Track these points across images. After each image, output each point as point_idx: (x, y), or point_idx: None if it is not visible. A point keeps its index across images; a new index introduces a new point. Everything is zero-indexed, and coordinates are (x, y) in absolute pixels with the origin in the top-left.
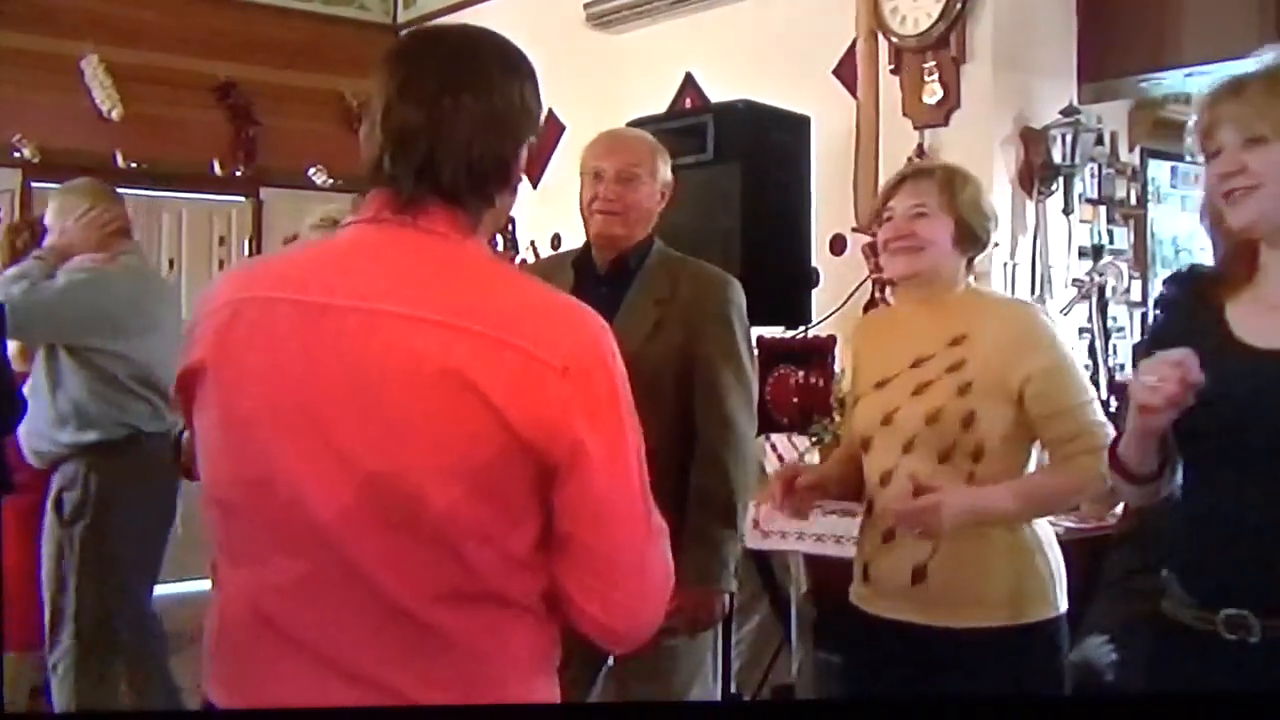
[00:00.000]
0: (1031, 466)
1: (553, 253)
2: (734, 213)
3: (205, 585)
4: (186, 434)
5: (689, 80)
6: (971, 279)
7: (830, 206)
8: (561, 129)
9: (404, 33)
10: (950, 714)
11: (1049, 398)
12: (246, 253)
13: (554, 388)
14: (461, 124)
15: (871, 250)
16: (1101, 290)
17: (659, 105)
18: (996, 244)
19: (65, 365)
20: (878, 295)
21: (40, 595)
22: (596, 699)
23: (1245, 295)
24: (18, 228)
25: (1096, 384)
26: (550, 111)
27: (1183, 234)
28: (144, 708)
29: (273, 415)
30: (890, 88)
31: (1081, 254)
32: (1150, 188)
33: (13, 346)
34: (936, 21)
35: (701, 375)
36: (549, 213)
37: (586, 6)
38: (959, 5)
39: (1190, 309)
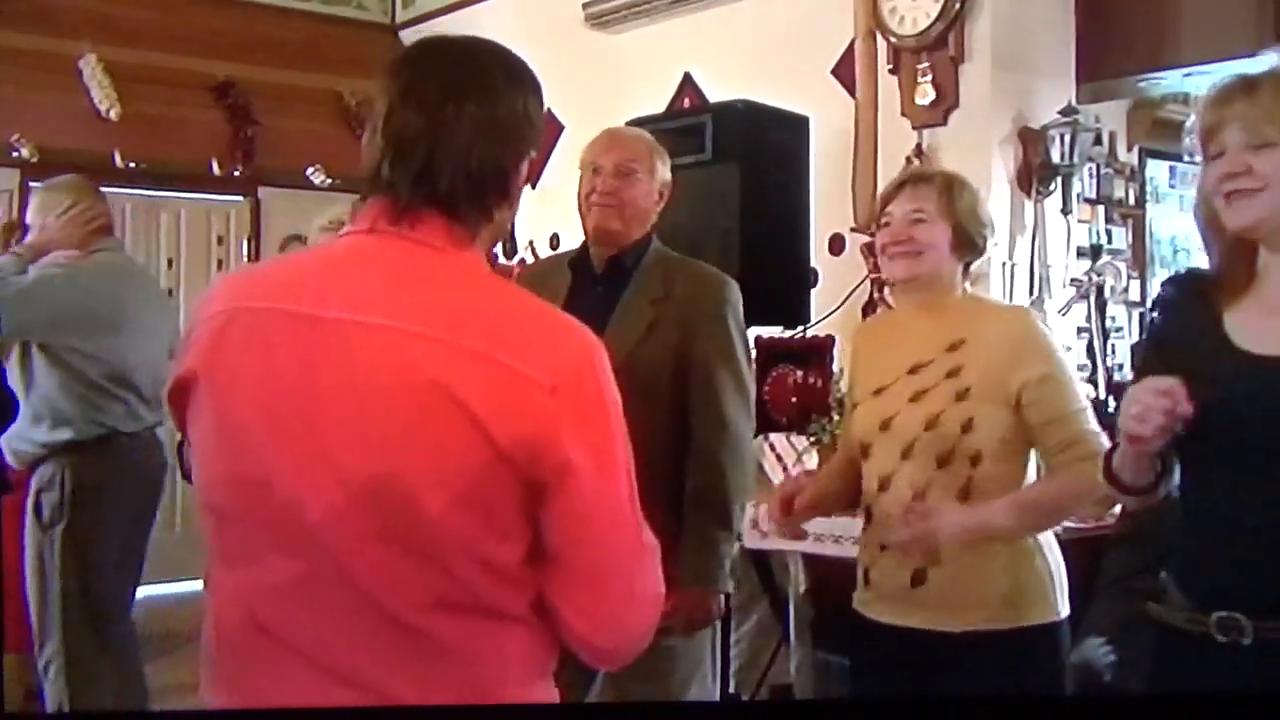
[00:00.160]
0: (1030, 470)
1: (552, 253)
2: (733, 213)
3: (201, 585)
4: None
5: (688, 80)
6: (968, 284)
7: (829, 206)
8: (560, 129)
9: (410, 40)
10: (950, 714)
11: (1045, 405)
12: (245, 252)
13: (542, 406)
14: (462, 132)
15: (870, 250)
16: (1100, 290)
17: (658, 105)
18: (995, 244)
19: (38, 363)
20: (876, 295)
21: None
22: (594, 700)
23: (1244, 300)
24: (11, 226)
25: (1095, 384)
26: (549, 111)
27: (1181, 234)
28: (120, 708)
29: (266, 424)
30: (889, 88)
31: (1080, 254)
32: (1149, 187)
33: None
34: (935, 21)
35: (698, 375)
36: (548, 213)
37: (585, 6)
38: (958, 5)
39: (1188, 313)
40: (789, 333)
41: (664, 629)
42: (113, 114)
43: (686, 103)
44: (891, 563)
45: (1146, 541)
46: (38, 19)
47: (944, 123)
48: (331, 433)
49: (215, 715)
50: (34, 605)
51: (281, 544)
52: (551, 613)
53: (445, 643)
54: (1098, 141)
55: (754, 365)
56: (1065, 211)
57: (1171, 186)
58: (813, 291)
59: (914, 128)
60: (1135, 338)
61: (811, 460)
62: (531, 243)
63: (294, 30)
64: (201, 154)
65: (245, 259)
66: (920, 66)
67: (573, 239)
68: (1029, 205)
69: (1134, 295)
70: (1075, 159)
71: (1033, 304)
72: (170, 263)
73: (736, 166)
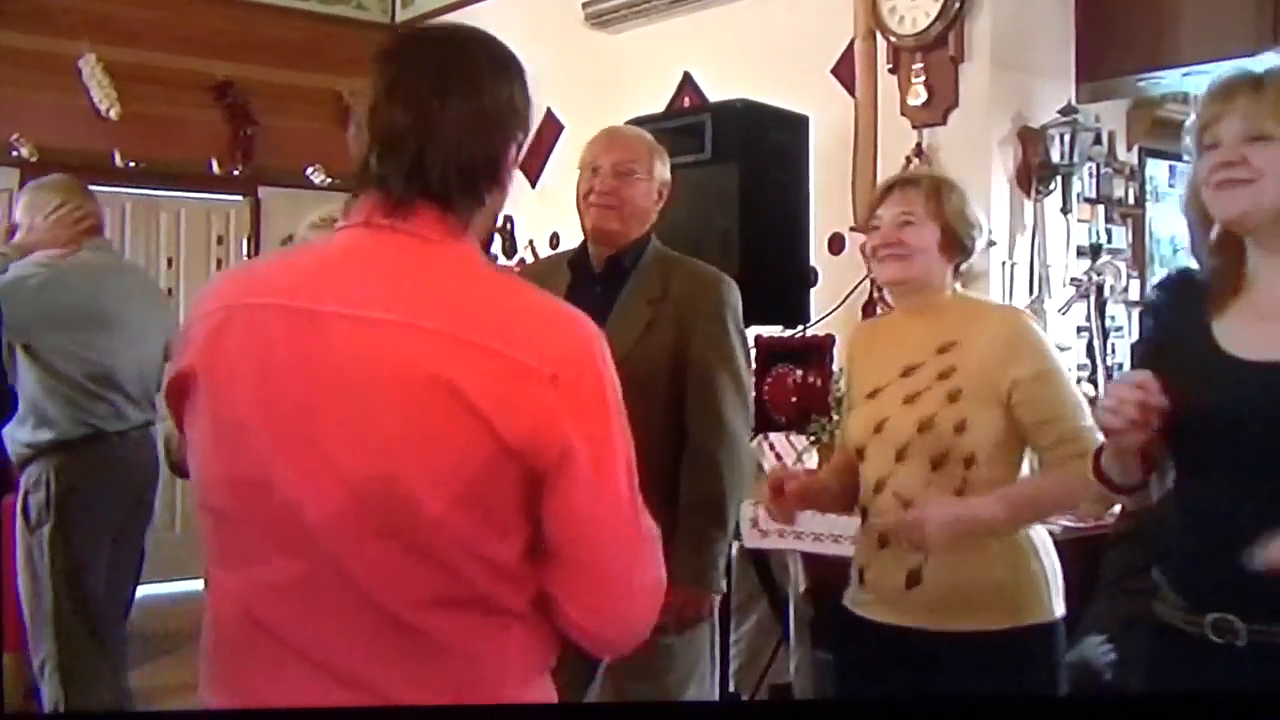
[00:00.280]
0: (1024, 472)
1: (552, 253)
2: (732, 212)
3: (199, 585)
4: (167, 428)
5: (687, 79)
6: (959, 285)
7: (829, 206)
8: (560, 128)
9: (393, 33)
10: (950, 714)
11: (1038, 403)
12: (244, 252)
13: (543, 395)
14: (450, 124)
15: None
16: (1100, 289)
17: (657, 105)
18: (994, 243)
19: (21, 363)
20: (875, 295)
21: None
22: (593, 699)
23: (1232, 304)
24: (10, 229)
25: (1095, 383)
26: (549, 111)
27: (1181, 233)
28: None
29: (264, 421)
30: (889, 87)
31: (1080, 253)
32: (1148, 187)
33: None
34: (934, 21)
35: (695, 375)
36: (548, 213)
37: (585, 6)
38: (957, 5)
39: (1177, 317)
40: (789, 332)
41: (657, 627)
42: (112, 114)
43: (686, 102)
44: (888, 563)
45: (1146, 541)
46: (37, 19)
47: (943, 122)
48: (331, 430)
49: (215, 715)
50: (26, 606)
51: (280, 543)
52: (551, 603)
53: (444, 641)
54: (1097, 141)
55: (754, 365)
56: (1065, 211)
57: (1171, 186)
58: (812, 291)
59: (914, 127)
60: (1135, 337)
61: (811, 460)
62: (531, 242)
63: (294, 30)
64: (201, 154)
65: (245, 259)
66: (914, 67)
67: (573, 239)
68: (1029, 205)
69: (1134, 295)
70: (1075, 158)
71: (1033, 303)
72: (170, 262)
73: (736, 166)
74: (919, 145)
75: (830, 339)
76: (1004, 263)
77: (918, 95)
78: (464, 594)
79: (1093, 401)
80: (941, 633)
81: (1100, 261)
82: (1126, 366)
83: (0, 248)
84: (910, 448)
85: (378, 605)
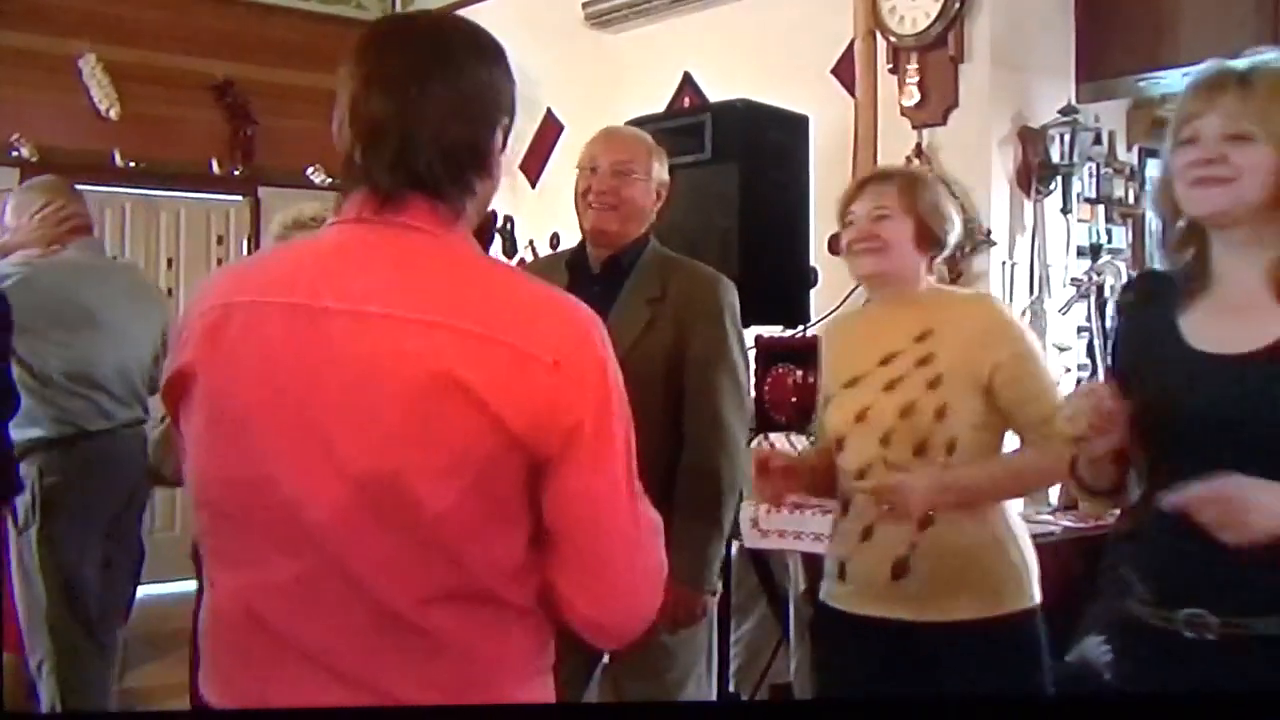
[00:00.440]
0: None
1: (550, 253)
2: (732, 212)
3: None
4: (155, 436)
5: (687, 80)
6: (933, 278)
7: (829, 206)
8: (560, 128)
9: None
10: (949, 714)
11: (1020, 383)
12: (245, 252)
13: (545, 382)
14: (431, 112)
15: None
16: (1100, 289)
17: (657, 105)
18: (994, 243)
19: None
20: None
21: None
22: (592, 698)
23: (1199, 300)
24: None
25: None
26: (549, 111)
27: None
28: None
29: (265, 418)
30: (889, 87)
31: (1080, 253)
32: (1148, 187)
33: None
34: (934, 21)
35: (693, 375)
36: (548, 212)
37: (585, 6)
38: (957, 5)
39: (1146, 316)
40: (789, 332)
41: (652, 627)
42: (112, 114)
43: (686, 102)
44: (870, 556)
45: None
46: (38, 19)
47: (943, 122)
48: (334, 426)
49: (215, 715)
50: (21, 608)
51: (281, 541)
52: (551, 591)
53: (446, 639)
54: (1097, 141)
55: (754, 365)
56: (1065, 211)
57: None
58: (812, 291)
59: (914, 127)
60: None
61: None
62: (532, 242)
63: (293, 30)
64: (201, 153)
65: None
66: (909, 68)
67: (573, 239)
68: (1029, 205)
69: None
70: (1075, 158)
71: (1033, 303)
72: (170, 262)
73: (736, 166)
74: (919, 145)
75: None
76: (1004, 263)
77: (911, 96)
78: (467, 590)
79: None
80: (925, 622)
81: (1100, 261)
82: None
83: None
84: (893, 434)
85: (380, 602)
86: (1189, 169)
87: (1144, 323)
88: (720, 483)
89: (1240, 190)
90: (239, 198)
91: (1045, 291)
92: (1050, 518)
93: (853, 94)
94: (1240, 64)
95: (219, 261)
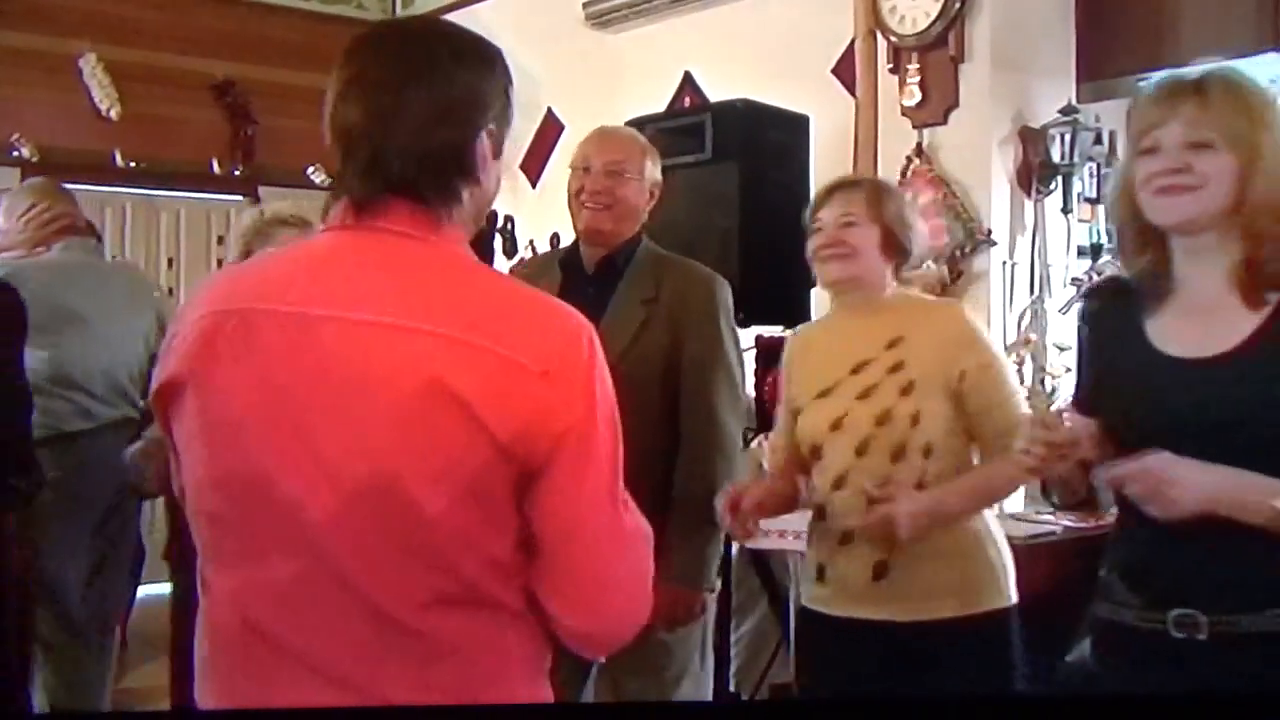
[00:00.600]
0: (975, 461)
1: (544, 251)
2: (732, 212)
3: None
4: (134, 449)
5: (688, 79)
6: (895, 284)
7: None
8: (560, 128)
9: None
10: (949, 713)
11: (985, 391)
12: None
13: (533, 392)
14: (405, 119)
15: None
16: None
17: (658, 104)
18: (995, 243)
19: None
20: None
21: None
22: (589, 697)
23: (1164, 305)
24: None
25: None
26: (549, 111)
27: None
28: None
29: (259, 425)
30: (889, 87)
31: (1080, 253)
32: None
33: None
34: (935, 21)
35: (689, 375)
36: (548, 213)
37: (585, 6)
38: (958, 4)
39: (1111, 322)
40: (789, 332)
41: (650, 627)
42: (113, 114)
43: (686, 102)
44: (851, 558)
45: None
46: (38, 19)
47: (944, 122)
48: (327, 433)
49: (215, 715)
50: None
51: (276, 546)
52: (538, 601)
53: (442, 643)
54: (1098, 141)
55: (754, 365)
56: (1065, 211)
57: None
58: (813, 291)
59: (914, 127)
60: None
61: None
62: (532, 242)
63: (294, 29)
64: (201, 153)
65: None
66: (910, 68)
67: (573, 238)
68: (1029, 205)
69: None
70: (1075, 158)
71: (1033, 303)
72: (170, 262)
73: (736, 166)
74: (919, 145)
75: None
76: (1004, 263)
77: (912, 95)
78: (462, 593)
79: None
80: (906, 622)
81: (1100, 261)
82: None
83: None
84: (870, 442)
85: (375, 607)
86: (1154, 178)
87: (1110, 330)
88: (717, 482)
89: (1206, 197)
90: (239, 198)
91: (1046, 291)
92: (1050, 518)
93: (853, 94)
94: (1193, 73)
95: (219, 262)
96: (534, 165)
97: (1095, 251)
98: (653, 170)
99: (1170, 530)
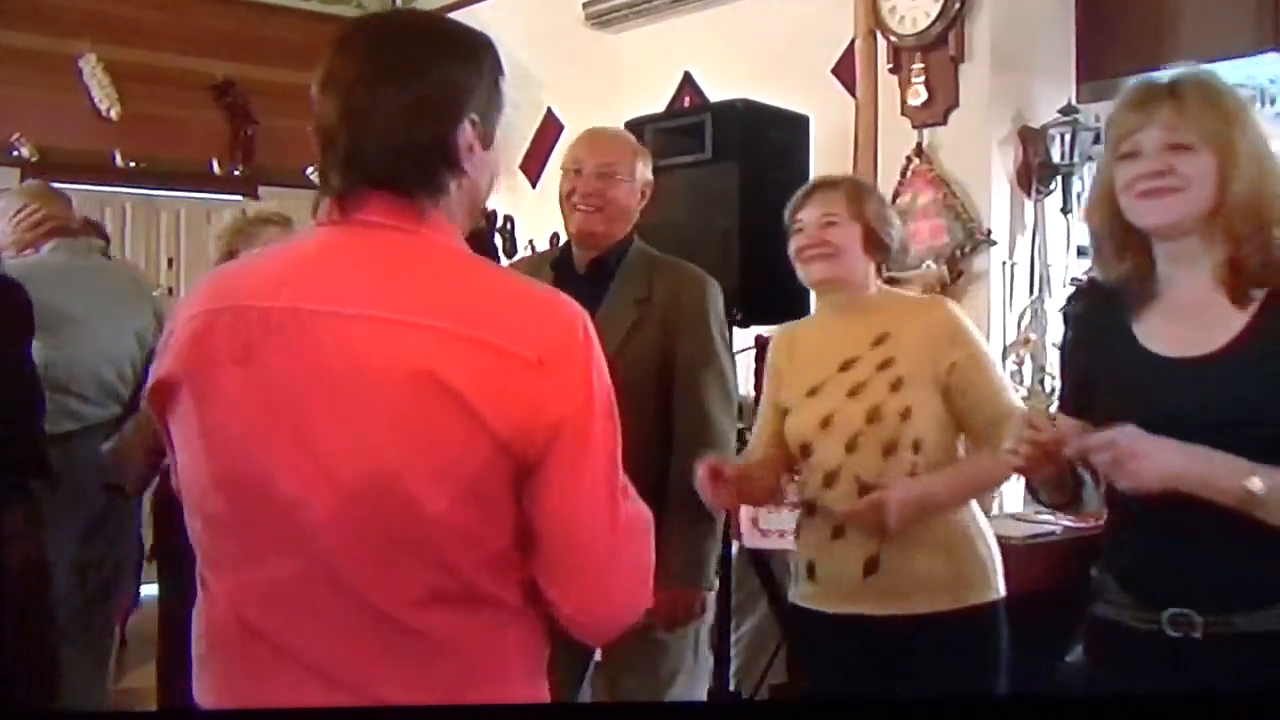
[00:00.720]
0: (963, 452)
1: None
2: (732, 212)
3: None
4: (107, 448)
5: (688, 79)
6: (879, 281)
7: None
8: (560, 128)
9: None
10: (949, 713)
11: (973, 384)
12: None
13: (529, 382)
14: (380, 112)
15: None
16: None
17: (658, 104)
18: (995, 243)
19: None
20: None
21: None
22: (585, 696)
23: (1151, 306)
24: None
25: None
26: (549, 111)
27: None
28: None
29: (255, 423)
30: (889, 87)
31: (1080, 253)
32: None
33: None
34: (935, 21)
35: (681, 375)
36: (548, 212)
37: (585, 6)
38: (957, 4)
39: (1098, 324)
40: (773, 330)
41: (647, 625)
42: (113, 114)
43: (686, 102)
44: (842, 553)
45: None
46: (38, 19)
47: (944, 122)
48: (324, 429)
49: (214, 715)
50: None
51: (273, 545)
52: (538, 590)
53: (439, 641)
54: (1098, 140)
55: (754, 364)
56: (1065, 210)
57: None
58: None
59: (914, 127)
60: None
61: None
62: (531, 242)
63: (294, 30)
64: (201, 153)
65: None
66: (914, 67)
67: (565, 239)
68: (1029, 204)
69: None
70: (1075, 158)
71: (1033, 302)
72: (170, 262)
73: (736, 166)
74: (919, 145)
75: None
76: (1004, 262)
77: (918, 95)
78: (461, 591)
79: None
80: (896, 617)
81: None
82: None
83: None
84: (861, 438)
85: (373, 606)
86: (1137, 181)
87: (1097, 331)
88: None
89: (1190, 199)
90: (239, 198)
91: (1046, 291)
92: (1050, 517)
93: (853, 94)
94: (1166, 77)
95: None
96: (534, 165)
97: None
98: (643, 171)
99: (1164, 530)
